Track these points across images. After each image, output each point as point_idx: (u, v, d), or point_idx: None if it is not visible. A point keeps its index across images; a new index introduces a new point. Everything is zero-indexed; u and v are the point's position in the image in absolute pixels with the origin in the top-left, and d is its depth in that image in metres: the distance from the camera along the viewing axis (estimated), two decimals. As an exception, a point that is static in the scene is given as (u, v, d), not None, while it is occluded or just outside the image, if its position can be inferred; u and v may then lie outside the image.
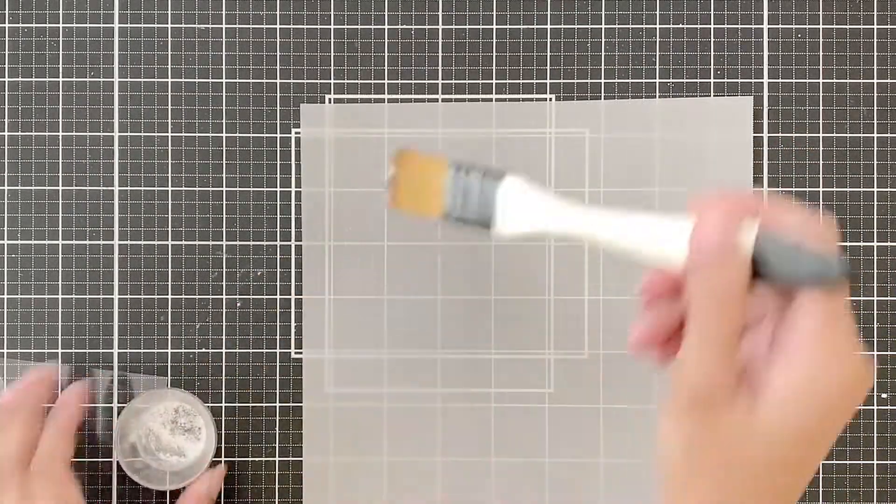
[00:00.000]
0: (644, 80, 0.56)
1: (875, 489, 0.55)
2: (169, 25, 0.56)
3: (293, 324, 0.56)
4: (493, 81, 0.56)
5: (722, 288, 0.32)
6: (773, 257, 0.32)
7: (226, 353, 0.56)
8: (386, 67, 0.56)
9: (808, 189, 0.55)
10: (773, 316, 0.33)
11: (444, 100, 0.56)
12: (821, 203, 0.55)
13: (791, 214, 0.32)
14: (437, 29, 0.56)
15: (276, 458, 0.56)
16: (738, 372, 0.32)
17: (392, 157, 0.43)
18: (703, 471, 0.32)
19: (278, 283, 0.56)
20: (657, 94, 0.56)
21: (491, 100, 0.56)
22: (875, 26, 0.56)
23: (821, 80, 0.56)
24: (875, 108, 0.56)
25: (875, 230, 0.56)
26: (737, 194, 0.33)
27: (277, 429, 0.56)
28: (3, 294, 0.56)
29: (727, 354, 0.32)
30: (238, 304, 0.56)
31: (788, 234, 0.32)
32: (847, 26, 0.56)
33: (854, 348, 0.32)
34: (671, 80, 0.56)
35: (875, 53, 0.56)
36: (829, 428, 0.32)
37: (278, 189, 0.56)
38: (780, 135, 0.56)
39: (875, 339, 0.56)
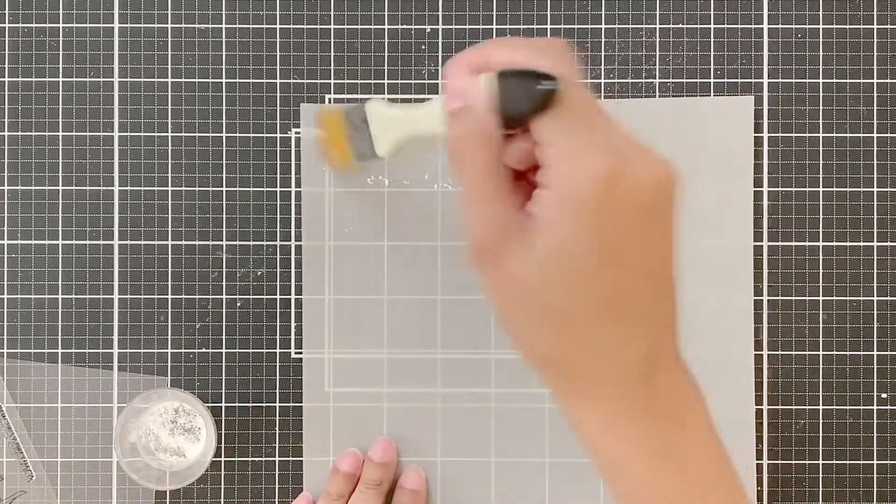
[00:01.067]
0: (644, 80, 0.56)
1: (875, 489, 0.55)
2: (169, 25, 0.56)
3: (293, 324, 0.56)
4: (493, 81, 0.56)
5: (463, 141, 0.34)
6: (510, 96, 0.33)
7: (226, 353, 0.56)
8: (386, 67, 0.56)
9: (808, 189, 0.56)
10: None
11: (444, 100, 0.56)
12: (821, 203, 0.56)
13: (519, 50, 0.34)
14: (437, 29, 0.56)
15: (276, 458, 0.56)
16: (508, 220, 0.33)
17: (316, 120, 0.50)
18: (508, 313, 0.34)
19: (278, 283, 0.56)
20: (657, 93, 0.56)
21: (491, 100, 0.56)
22: (875, 26, 0.56)
23: (821, 80, 0.56)
24: (875, 108, 0.56)
25: (875, 230, 0.56)
26: (471, 52, 0.35)
27: (277, 429, 0.56)
28: (3, 294, 0.56)
29: (486, 203, 0.33)
30: (238, 304, 0.56)
31: (516, 69, 0.33)
32: (847, 26, 0.56)
33: (597, 150, 0.32)
34: (671, 80, 0.56)
35: (875, 53, 0.56)
36: (607, 238, 0.32)
37: (278, 189, 0.56)
38: (780, 135, 0.56)
39: (875, 339, 0.56)
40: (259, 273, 0.56)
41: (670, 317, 0.34)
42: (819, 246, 0.56)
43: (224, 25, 0.56)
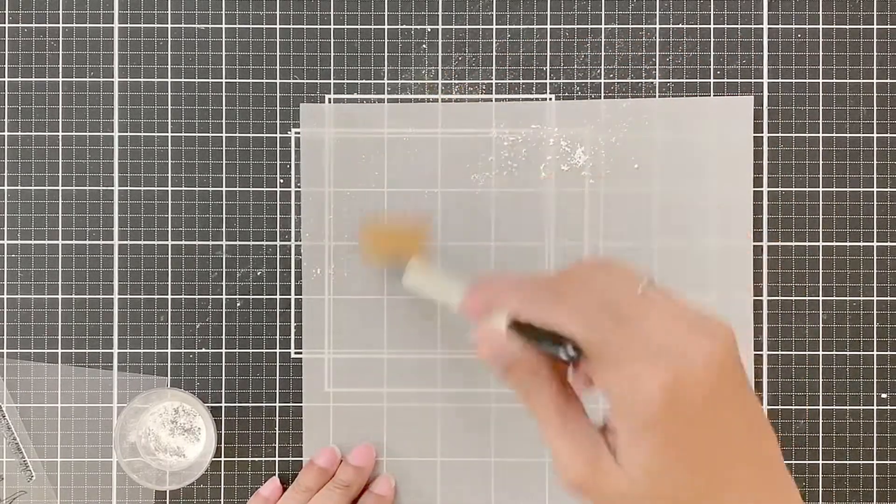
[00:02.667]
0: (644, 80, 0.56)
1: (875, 489, 0.55)
2: (169, 25, 0.56)
3: (293, 324, 0.56)
4: (493, 81, 0.56)
5: (521, 382, 0.37)
6: (531, 339, 0.36)
7: (226, 353, 0.56)
8: (386, 67, 0.56)
9: (807, 189, 0.56)
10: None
11: (444, 100, 0.56)
12: (821, 203, 0.56)
13: (530, 301, 0.36)
14: (437, 29, 0.56)
15: (276, 458, 0.56)
16: (594, 446, 0.34)
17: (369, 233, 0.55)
18: None
19: (278, 283, 0.56)
20: (657, 94, 0.56)
21: (491, 100, 0.56)
22: (875, 26, 0.56)
23: (821, 80, 0.56)
24: (875, 108, 0.56)
25: (875, 230, 0.56)
26: (487, 288, 0.38)
27: (277, 429, 0.56)
28: (3, 294, 0.56)
29: (569, 436, 0.35)
30: (238, 304, 0.56)
31: (533, 320, 0.36)
32: (847, 26, 0.56)
33: (647, 369, 0.32)
34: (671, 80, 0.56)
35: (875, 53, 0.56)
36: (684, 441, 0.33)
37: (278, 189, 0.56)
38: (780, 135, 0.56)
39: (875, 339, 0.56)
40: (259, 273, 0.56)
41: (776, 457, 0.35)
42: (819, 246, 0.56)
43: (224, 25, 0.56)
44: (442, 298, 0.47)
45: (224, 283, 0.56)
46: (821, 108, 0.56)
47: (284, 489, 0.55)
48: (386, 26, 0.56)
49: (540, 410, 0.36)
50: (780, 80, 0.56)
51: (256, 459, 0.56)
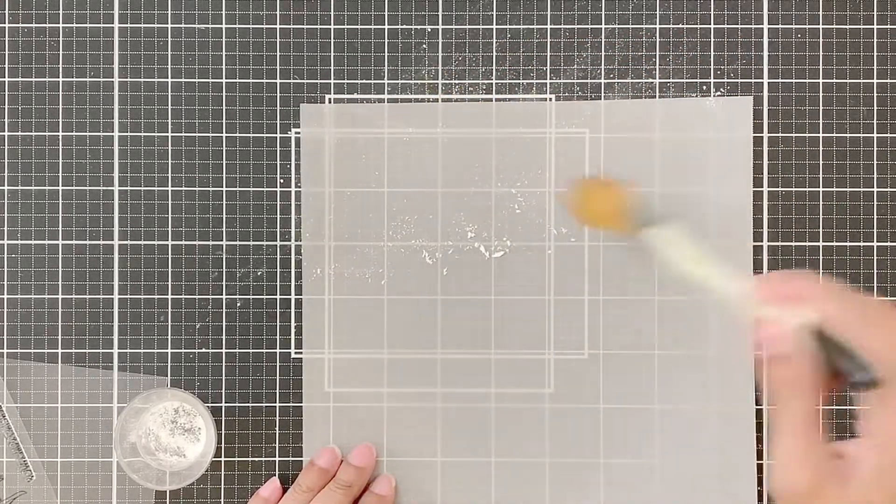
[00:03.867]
0: (644, 80, 0.56)
1: (875, 489, 0.55)
2: (169, 25, 0.56)
3: (293, 324, 0.56)
4: (494, 81, 0.56)
5: (789, 384, 0.36)
6: (831, 357, 0.36)
7: (226, 353, 0.56)
8: (386, 67, 0.56)
9: (808, 189, 0.56)
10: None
11: (444, 100, 0.56)
12: (821, 203, 0.56)
13: (844, 311, 0.36)
14: (437, 29, 0.56)
15: (276, 458, 0.56)
16: (824, 461, 0.35)
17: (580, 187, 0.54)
18: None
19: (278, 283, 0.56)
20: (657, 94, 0.56)
21: (491, 100, 0.56)
22: (875, 26, 0.56)
23: (821, 80, 0.56)
24: (875, 108, 0.56)
25: (875, 230, 0.56)
26: (783, 281, 0.38)
27: (277, 429, 0.56)
28: (3, 294, 0.56)
29: (809, 444, 0.35)
30: (238, 304, 0.56)
31: (839, 331, 0.36)
32: (847, 26, 0.56)
33: None
34: (671, 80, 0.56)
35: (875, 53, 0.56)
36: None
37: (278, 189, 0.56)
38: (780, 135, 0.56)
39: (875, 339, 0.55)
40: (259, 273, 0.56)
41: None
42: (819, 246, 0.56)
43: (224, 25, 0.56)
44: (698, 272, 0.46)
45: (224, 283, 0.56)
46: (821, 108, 0.56)
47: (284, 490, 0.55)
48: (386, 26, 0.56)
49: (790, 417, 0.36)
50: (780, 80, 0.56)
51: (256, 459, 0.56)
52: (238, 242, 0.56)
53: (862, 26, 0.56)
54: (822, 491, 0.35)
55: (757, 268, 0.55)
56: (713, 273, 0.45)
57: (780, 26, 0.56)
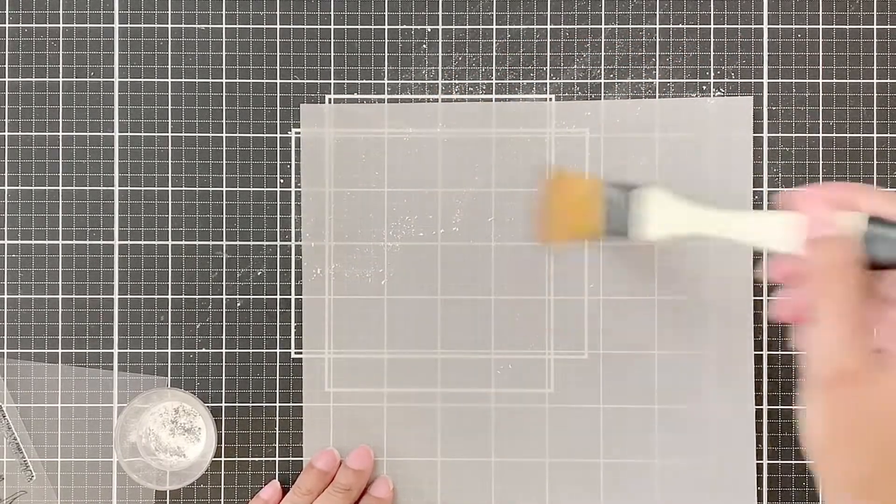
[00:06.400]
0: (644, 80, 0.56)
1: (875, 489, 0.55)
2: (169, 25, 0.56)
3: (293, 324, 0.56)
4: (493, 81, 0.56)
5: (835, 268, 0.35)
6: (882, 240, 0.36)
7: (226, 353, 0.56)
8: (386, 67, 0.56)
9: (808, 189, 0.55)
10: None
11: (444, 100, 0.56)
12: None
13: (887, 199, 0.36)
14: (438, 29, 0.56)
15: (276, 458, 0.56)
16: (871, 347, 0.34)
17: (547, 182, 0.50)
18: (849, 443, 0.34)
19: (278, 283, 0.56)
20: (657, 94, 0.56)
21: (491, 100, 0.56)
22: (875, 26, 0.56)
23: (821, 80, 0.56)
24: (875, 108, 0.56)
25: (875, 230, 0.56)
26: (831, 187, 0.37)
27: (277, 429, 0.56)
28: (3, 294, 0.56)
29: (856, 328, 0.34)
30: (238, 304, 0.56)
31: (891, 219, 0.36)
32: (847, 26, 0.56)
33: None
34: (671, 80, 0.56)
35: (875, 53, 0.56)
36: None
37: (278, 189, 0.56)
38: (780, 135, 0.56)
39: (875, 339, 0.55)
40: (259, 273, 0.56)
41: None
42: (819, 246, 0.55)
43: (224, 25, 0.56)
44: (715, 230, 0.43)
45: (224, 283, 0.56)
46: (821, 108, 0.56)
47: (285, 491, 0.55)
48: (386, 26, 0.56)
49: (836, 301, 0.35)
50: (780, 80, 0.56)
51: (256, 459, 0.56)
52: (238, 242, 0.56)
53: (862, 26, 0.56)
54: (869, 374, 0.34)
55: (757, 267, 0.55)
56: (734, 215, 0.43)
57: (780, 26, 0.56)
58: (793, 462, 0.55)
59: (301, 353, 0.56)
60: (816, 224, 0.37)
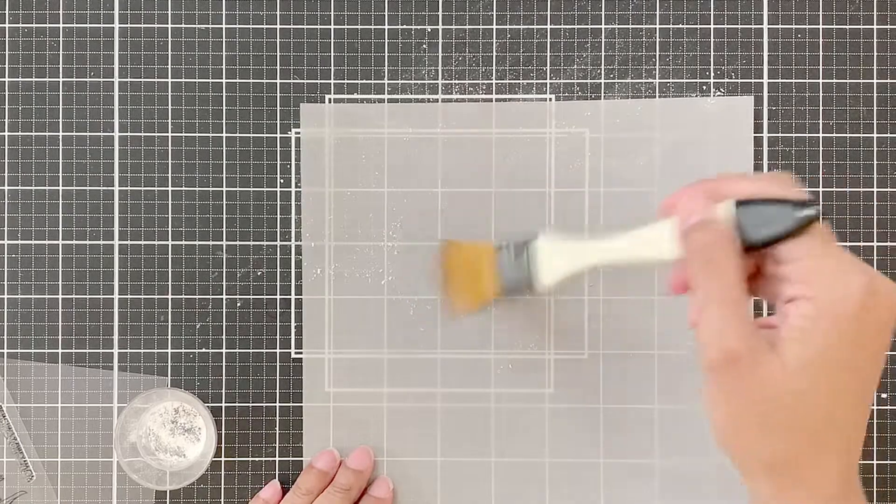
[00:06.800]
0: (644, 80, 0.56)
1: (875, 489, 0.55)
2: (169, 25, 0.56)
3: (293, 324, 0.56)
4: (493, 81, 0.56)
5: (709, 249, 0.36)
6: (752, 221, 0.36)
7: (226, 353, 0.56)
8: (386, 67, 0.56)
9: (808, 189, 0.55)
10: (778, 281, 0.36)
11: (444, 100, 0.56)
12: (821, 203, 0.55)
13: (753, 182, 0.36)
14: (438, 29, 0.56)
15: (276, 458, 0.56)
16: (753, 327, 0.34)
17: (441, 254, 0.50)
18: (745, 420, 0.35)
19: (278, 283, 0.56)
20: (657, 93, 0.56)
21: (491, 100, 0.56)
22: (875, 26, 0.56)
23: (821, 80, 0.56)
24: (875, 108, 0.56)
25: (875, 230, 0.56)
26: (700, 183, 0.38)
27: (277, 429, 0.56)
28: (3, 294, 0.56)
29: (737, 310, 0.35)
30: (238, 304, 0.56)
31: (757, 197, 0.36)
32: (847, 26, 0.56)
33: (854, 267, 0.34)
34: (671, 80, 0.56)
35: (875, 53, 0.56)
36: (858, 348, 0.34)
37: (278, 189, 0.56)
38: (780, 135, 0.56)
39: (875, 339, 0.55)
40: (259, 273, 0.56)
41: (861, 439, 0.36)
42: (819, 246, 0.55)
43: (224, 25, 0.56)
44: (613, 247, 0.42)
45: (224, 283, 0.56)
46: (821, 108, 0.56)
47: (284, 491, 0.55)
48: (386, 26, 0.56)
49: (717, 281, 0.35)
50: (780, 80, 0.56)
51: (256, 459, 0.56)
52: (238, 242, 0.56)
53: (862, 26, 0.56)
54: (754, 352, 0.34)
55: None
56: (615, 239, 0.42)
57: (780, 26, 0.56)
58: (793, 462, 0.55)
59: (301, 353, 0.56)
60: (685, 216, 0.37)
